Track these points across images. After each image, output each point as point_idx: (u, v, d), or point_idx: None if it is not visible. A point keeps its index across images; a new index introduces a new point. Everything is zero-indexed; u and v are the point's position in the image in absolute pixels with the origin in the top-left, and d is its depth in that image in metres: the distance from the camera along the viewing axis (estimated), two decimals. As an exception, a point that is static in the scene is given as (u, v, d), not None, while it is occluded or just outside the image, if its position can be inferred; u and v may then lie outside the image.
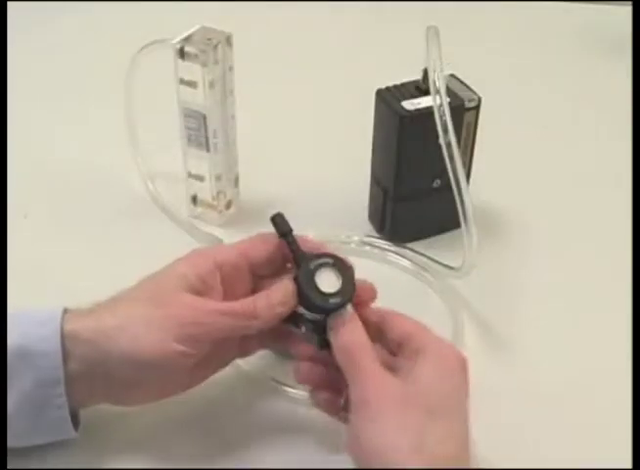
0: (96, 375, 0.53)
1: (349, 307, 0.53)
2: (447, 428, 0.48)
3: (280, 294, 0.54)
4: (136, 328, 0.52)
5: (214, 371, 0.57)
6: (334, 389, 0.54)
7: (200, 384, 0.56)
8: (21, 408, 0.52)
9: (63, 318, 0.52)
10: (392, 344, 0.53)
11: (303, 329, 0.54)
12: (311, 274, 0.52)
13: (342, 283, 0.52)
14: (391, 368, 0.51)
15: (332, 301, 0.52)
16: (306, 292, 0.52)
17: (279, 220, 0.55)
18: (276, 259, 0.57)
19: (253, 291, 0.56)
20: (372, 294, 0.56)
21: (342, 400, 0.53)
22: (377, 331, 0.54)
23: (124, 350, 0.52)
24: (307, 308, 0.53)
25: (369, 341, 0.52)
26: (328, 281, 0.52)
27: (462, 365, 0.52)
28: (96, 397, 0.55)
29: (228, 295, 0.55)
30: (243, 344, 0.57)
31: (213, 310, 0.53)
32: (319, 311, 0.53)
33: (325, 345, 0.53)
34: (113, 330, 0.52)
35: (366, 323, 0.53)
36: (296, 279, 0.53)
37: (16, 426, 0.52)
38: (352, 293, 0.53)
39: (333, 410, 0.54)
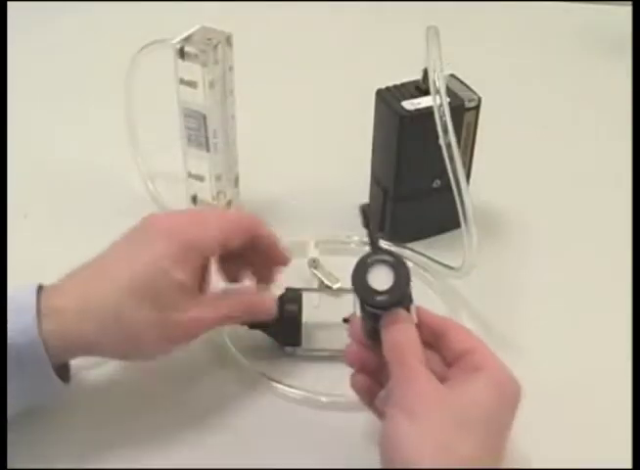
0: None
1: (410, 309, 0.53)
2: (478, 446, 0.47)
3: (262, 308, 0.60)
4: (143, 345, 0.55)
5: None
6: (376, 378, 0.54)
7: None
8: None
9: (38, 313, 0.53)
10: (450, 354, 0.52)
11: (359, 313, 0.54)
12: (365, 269, 0.52)
13: (394, 283, 0.51)
14: (441, 377, 0.50)
15: (378, 298, 0.51)
16: (355, 285, 0.52)
17: (367, 209, 0.56)
18: (244, 246, 0.60)
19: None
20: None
21: (382, 392, 0.53)
22: (434, 338, 0.53)
23: (121, 353, 0.57)
24: (359, 300, 0.53)
25: (420, 344, 0.51)
26: (380, 278, 0.52)
27: (515, 396, 0.50)
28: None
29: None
30: None
31: (218, 320, 0.58)
32: (367, 305, 0.53)
33: (373, 336, 0.53)
34: (114, 344, 0.55)
35: (425, 328, 0.53)
36: None
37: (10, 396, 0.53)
38: (403, 295, 0.52)
39: (367, 398, 0.54)
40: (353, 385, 0.55)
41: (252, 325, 0.62)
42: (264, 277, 0.63)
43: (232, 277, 0.63)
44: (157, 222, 0.59)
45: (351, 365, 0.55)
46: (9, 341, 0.52)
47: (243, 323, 0.62)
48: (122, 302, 0.54)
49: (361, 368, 0.55)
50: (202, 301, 0.57)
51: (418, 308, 0.53)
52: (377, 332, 0.52)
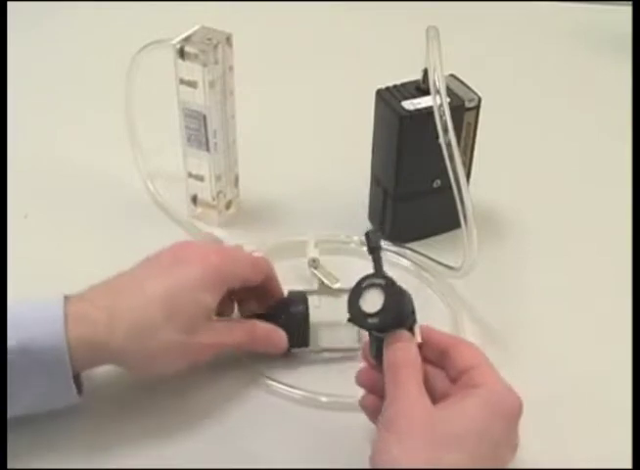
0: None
1: (414, 329, 0.54)
2: (466, 458, 0.47)
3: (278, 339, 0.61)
4: (165, 361, 0.57)
5: None
6: (384, 398, 0.54)
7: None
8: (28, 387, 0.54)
9: (66, 318, 0.53)
10: (454, 372, 0.53)
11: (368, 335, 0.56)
12: (359, 293, 0.53)
13: (384, 305, 0.52)
14: (444, 394, 0.51)
15: (370, 321, 0.52)
16: (350, 309, 0.53)
17: (372, 236, 0.57)
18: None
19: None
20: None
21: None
22: (441, 356, 0.54)
23: (138, 368, 0.57)
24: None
25: (419, 363, 0.52)
26: (371, 301, 0.53)
27: (512, 410, 0.51)
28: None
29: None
30: None
31: (231, 344, 0.60)
32: (360, 327, 0.55)
33: (379, 358, 0.54)
34: (139, 358, 0.56)
35: (432, 346, 0.54)
36: None
37: (24, 399, 0.54)
38: (397, 317, 0.53)
39: (375, 417, 0.54)
40: (363, 404, 0.56)
41: None
42: (251, 307, 0.64)
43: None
44: (189, 248, 0.60)
45: (362, 386, 0.56)
46: (34, 344, 0.52)
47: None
48: (153, 316, 0.55)
49: (371, 389, 0.55)
50: (217, 326, 0.59)
51: (424, 327, 0.54)
52: (382, 353, 0.53)
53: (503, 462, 0.50)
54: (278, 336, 0.62)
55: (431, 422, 0.49)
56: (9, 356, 0.52)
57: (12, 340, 0.52)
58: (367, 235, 0.56)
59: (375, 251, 0.56)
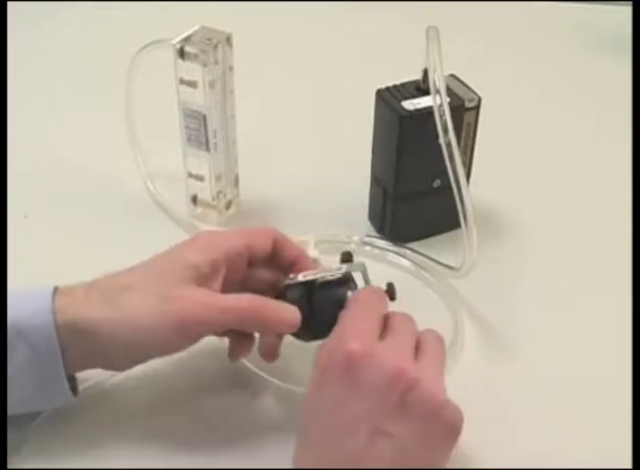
0: (92, 357, 0.54)
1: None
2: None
3: (290, 316, 0.56)
4: (139, 322, 0.53)
5: None
6: None
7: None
8: (21, 379, 0.53)
9: (54, 294, 0.53)
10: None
11: None
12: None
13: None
14: None
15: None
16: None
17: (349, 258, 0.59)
18: (270, 253, 0.59)
19: (244, 278, 0.59)
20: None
21: None
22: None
23: (124, 340, 0.53)
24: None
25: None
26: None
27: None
28: (89, 367, 0.56)
29: (224, 282, 0.57)
30: None
31: (219, 308, 0.54)
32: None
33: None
34: (113, 322, 0.52)
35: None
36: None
37: (18, 394, 0.53)
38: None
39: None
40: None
41: None
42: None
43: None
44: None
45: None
46: (23, 322, 0.52)
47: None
48: (129, 278, 0.55)
49: None
50: (219, 294, 0.56)
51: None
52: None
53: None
54: (288, 311, 0.56)
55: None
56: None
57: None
58: (343, 255, 0.58)
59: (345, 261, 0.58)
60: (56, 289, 0.54)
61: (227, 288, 0.57)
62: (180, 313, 0.53)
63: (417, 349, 0.52)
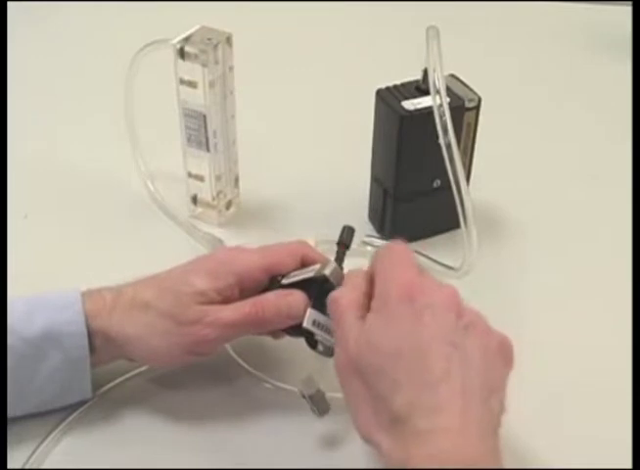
0: (114, 359, 0.59)
1: None
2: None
3: (293, 310, 0.57)
4: (156, 341, 0.56)
5: None
6: None
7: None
8: (52, 382, 0.56)
9: (83, 299, 0.56)
10: None
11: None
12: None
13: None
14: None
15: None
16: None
17: (348, 233, 0.60)
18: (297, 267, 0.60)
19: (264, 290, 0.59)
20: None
21: None
22: None
23: (141, 355, 0.58)
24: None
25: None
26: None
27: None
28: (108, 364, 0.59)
29: (241, 297, 0.58)
30: None
31: (224, 324, 0.56)
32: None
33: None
34: (134, 340, 0.56)
35: None
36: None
37: (46, 396, 0.56)
38: None
39: None
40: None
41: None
42: None
43: None
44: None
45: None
46: (54, 326, 0.55)
47: (269, 333, 0.61)
48: (144, 294, 0.57)
49: None
50: (211, 308, 0.57)
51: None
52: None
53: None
54: (291, 298, 0.57)
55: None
56: (35, 342, 0.54)
57: (35, 325, 0.54)
58: (343, 229, 0.59)
59: (341, 246, 0.59)
60: (84, 293, 0.57)
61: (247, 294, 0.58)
62: (192, 338, 0.56)
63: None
